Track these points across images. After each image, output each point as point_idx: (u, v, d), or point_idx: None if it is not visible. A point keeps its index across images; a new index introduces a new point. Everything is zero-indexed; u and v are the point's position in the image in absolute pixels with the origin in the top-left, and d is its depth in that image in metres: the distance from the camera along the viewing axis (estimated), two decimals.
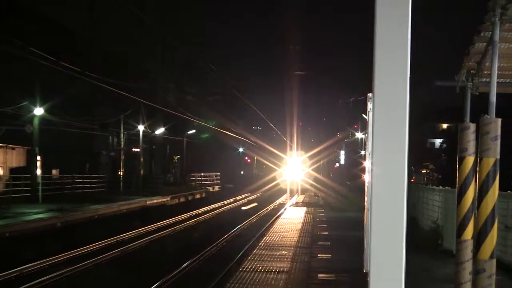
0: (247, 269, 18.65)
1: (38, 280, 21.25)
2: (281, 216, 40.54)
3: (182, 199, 61.62)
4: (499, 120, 9.08)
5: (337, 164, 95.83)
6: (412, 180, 49.45)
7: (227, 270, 21.47)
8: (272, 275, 17.46)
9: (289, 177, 65.23)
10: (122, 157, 67.69)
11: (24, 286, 20.33)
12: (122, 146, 67.08)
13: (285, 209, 49.04)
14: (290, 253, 21.93)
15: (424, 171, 59.81)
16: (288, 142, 68.34)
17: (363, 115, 23.79)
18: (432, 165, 62.45)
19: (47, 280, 21.53)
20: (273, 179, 77.69)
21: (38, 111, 45.65)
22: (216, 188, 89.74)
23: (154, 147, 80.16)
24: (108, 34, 48.58)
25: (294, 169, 65.46)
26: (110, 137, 66.96)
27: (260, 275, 17.48)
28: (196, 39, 76.92)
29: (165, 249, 30.16)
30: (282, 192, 68.17)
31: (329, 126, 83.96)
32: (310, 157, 71.24)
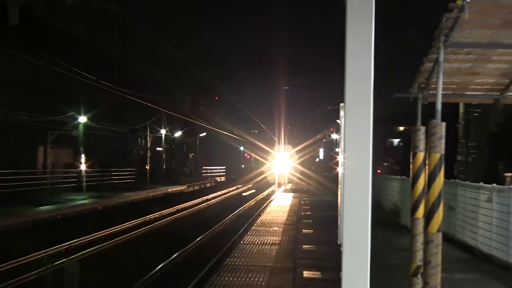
0: (247, 242, 18.66)
1: (87, 250, 21.21)
2: (273, 200, 40.56)
3: (196, 187, 61.67)
4: (444, 123, 9.16)
5: (317, 159, 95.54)
6: (379, 171, 49.48)
7: (232, 243, 21.50)
8: (267, 246, 17.47)
9: (279, 170, 65.18)
10: (149, 154, 68.04)
11: (77, 255, 20.14)
12: (148, 146, 67.47)
13: (276, 194, 49.00)
14: (281, 229, 21.96)
15: (386, 164, 60.11)
16: (278, 142, 68.33)
17: (337, 120, 23.86)
18: (392, 159, 62.78)
19: (93, 251, 21.49)
20: (267, 171, 77.71)
21: (82, 119, 45.92)
22: (223, 179, 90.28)
23: (173, 146, 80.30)
24: (136, 58, 48.72)
25: (283, 163, 65.38)
26: (139, 139, 67.61)
27: (257, 246, 17.49)
28: (205, 62, 77.31)
29: (183, 227, 30.17)
30: (274, 181, 68.35)
31: (311, 129, 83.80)
32: (296, 153, 71.22)
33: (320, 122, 76.13)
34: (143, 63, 51.98)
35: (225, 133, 76.71)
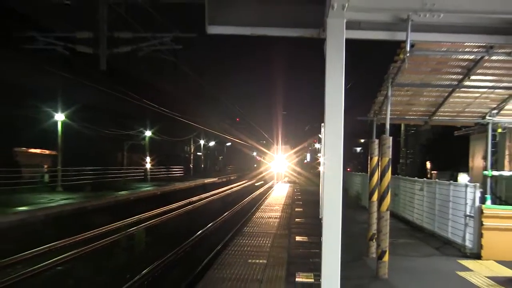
0: (257, 216, 18.60)
1: (151, 220, 21.15)
2: (275, 189, 40.46)
3: (224, 179, 61.53)
4: (390, 138, 9.15)
5: (306, 161, 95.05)
6: (349, 169, 49.37)
7: (247, 217, 21.44)
8: (270, 219, 17.40)
9: (279, 168, 64.78)
10: (192, 157, 68.26)
11: (143, 224, 20.11)
12: (191, 151, 67.74)
13: (277, 185, 48.84)
14: (280, 208, 21.87)
15: (352, 164, 60.31)
16: (278, 149, 68.00)
17: (319, 135, 23.90)
18: (356, 161, 62.86)
19: (155, 222, 21.38)
20: (270, 169, 77.46)
21: (148, 133, 46.17)
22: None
23: (208, 151, 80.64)
24: (183, 91, 49.19)
25: (281, 164, 65.06)
26: (185, 146, 68.01)
27: (264, 219, 17.43)
28: (230, 94, 78.09)
29: (215, 206, 30.08)
30: (276, 176, 68.31)
31: (301, 140, 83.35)
32: (290, 156, 70.89)
33: (307, 135, 75.87)
34: (188, 95, 52.36)
35: (243, 143, 76.74)
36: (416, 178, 16.85)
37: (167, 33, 19.14)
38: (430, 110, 14.88)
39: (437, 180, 15.50)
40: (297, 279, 8.51)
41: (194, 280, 11.50)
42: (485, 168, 15.39)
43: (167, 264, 13.88)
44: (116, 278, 12.22)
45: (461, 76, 11.84)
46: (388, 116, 10.08)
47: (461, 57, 10.53)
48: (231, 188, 47.62)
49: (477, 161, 19.68)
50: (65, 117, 29.60)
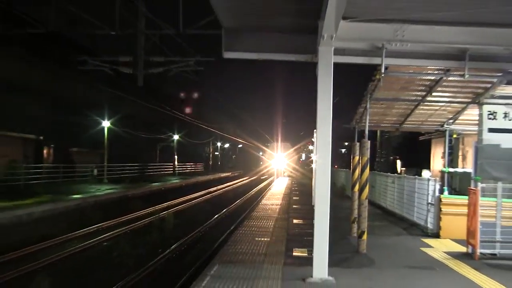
0: (262, 203, 18.58)
1: (177, 207, 21.14)
2: (276, 182, 40.34)
3: (236, 174, 61.55)
4: (369, 141, 9.11)
5: (301, 160, 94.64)
6: (336, 166, 49.15)
7: (254, 204, 21.35)
8: (273, 206, 17.36)
9: (280, 165, 64.34)
10: (211, 156, 68.23)
11: (173, 209, 20.13)
12: (210, 152, 67.66)
13: (278, 179, 48.72)
14: (281, 197, 21.85)
15: (337, 164, 60.06)
16: (278, 150, 67.71)
17: (312, 138, 24.08)
18: (341, 160, 62.63)
19: (181, 207, 21.35)
20: (273, 166, 77.00)
21: (176, 137, 46.15)
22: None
23: (224, 152, 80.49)
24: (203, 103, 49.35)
25: (282, 162, 64.59)
26: (206, 147, 67.84)
27: (268, 206, 17.40)
28: (243, 108, 78.13)
29: (229, 195, 30.01)
30: (278, 172, 68.00)
31: (298, 143, 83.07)
32: (289, 156, 70.48)
33: (303, 138, 75.64)
34: (208, 107, 52.30)
35: (251, 145, 76.55)
36: (389, 174, 16.88)
37: (191, 57, 19.23)
38: (400, 119, 14.86)
39: (405, 175, 15.47)
40: (294, 253, 8.52)
41: (212, 254, 11.53)
42: (443, 166, 15.48)
43: (192, 241, 13.90)
44: (151, 252, 12.26)
45: (424, 93, 11.84)
46: (367, 124, 10.07)
47: (424, 77, 10.55)
48: (242, 180, 47.60)
49: (436, 160, 19.66)
50: (110, 124, 29.71)
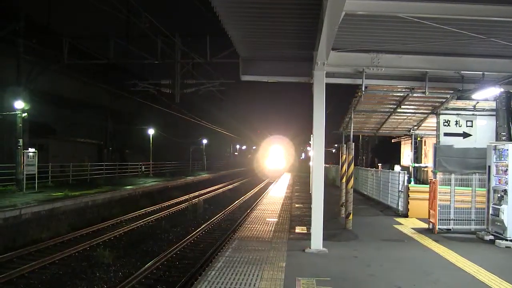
0: (269, 196, 18.35)
1: (206, 195, 21.05)
2: (282, 177, 39.66)
3: (250, 169, 61.05)
4: (353, 143, 9.15)
5: (301, 158, 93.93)
6: (330, 163, 48.45)
7: (260, 197, 20.11)
8: (278, 197, 17.19)
9: (284, 163, 63.52)
10: (231, 155, 68.15)
11: (203, 196, 19.79)
12: (231, 152, 67.54)
13: (282, 175, 47.96)
14: (284, 188, 21.68)
15: (329, 160, 59.37)
16: (283, 151, 67.19)
17: (310, 141, 24.14)
18: (332, 158, 61.91)
19: (209, 196, 21.24)
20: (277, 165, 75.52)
21: (204, 141, 46.06)
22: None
23: (241, 152, 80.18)
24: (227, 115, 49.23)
25: (285, 160, 63.69)
26: (227, 148, 67.74)
27: (273, 198, 17.21)
28: (251, 116, 77.24)
29: (246, 186, 29.90)
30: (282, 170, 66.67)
31: (298, 145, 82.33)
32: (291, 155, 69.74)
33: (302, 141, 74.92)
34: (231, 118, 51.73)
35: (258, 146, 75.79)
36: (369, 168, 16.81)
37: (217, 80, 19.38)
38: (377, 126, 14.86)
39: (381, 169, 15.40)
40: (296, 230, 8.57)
41: (234, 230, 11.62)
42: (411, 162, 15.45)
43: (218, 220, 14.00)
44: (185, 230, 12.40)
45: (395, 106, 11.84)
46: (352, 130, 10.12)
47: (395, 94, 10.55)
48: (255, 174, 47.20)
49: (405, 157, 19.54)
50: (154, 131, 29.93)
